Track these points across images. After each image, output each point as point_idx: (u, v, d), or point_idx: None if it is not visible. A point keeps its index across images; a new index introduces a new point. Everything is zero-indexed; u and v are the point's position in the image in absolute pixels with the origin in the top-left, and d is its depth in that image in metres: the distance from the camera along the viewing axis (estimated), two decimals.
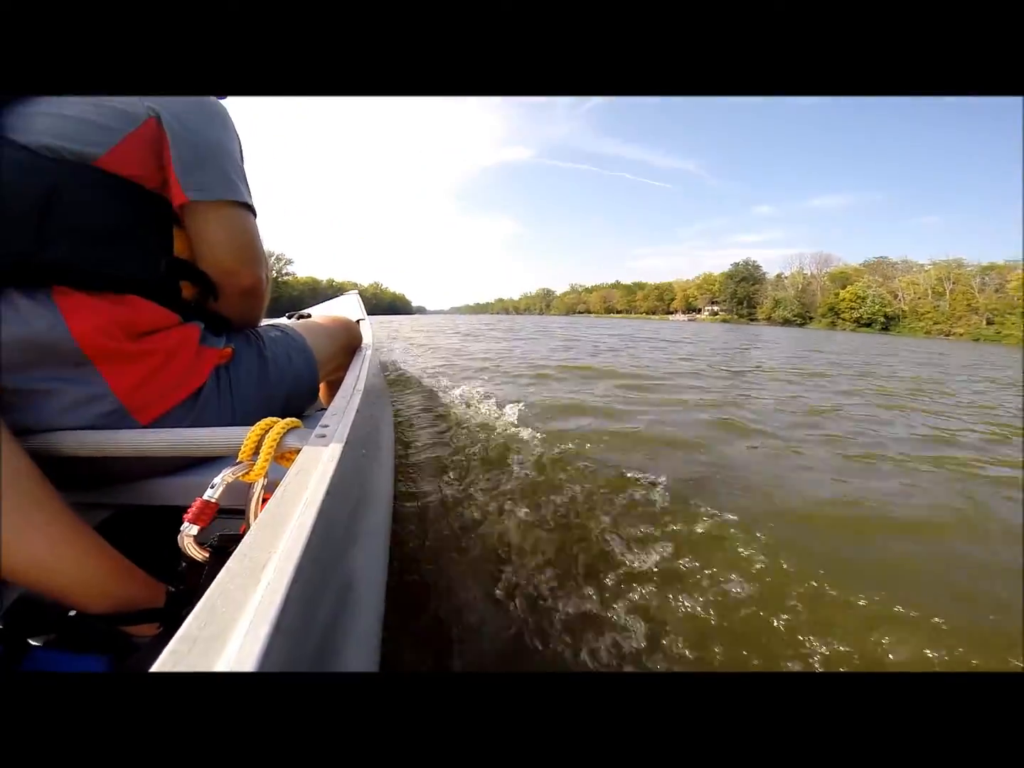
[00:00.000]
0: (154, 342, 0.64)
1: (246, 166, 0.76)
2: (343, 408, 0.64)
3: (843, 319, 64.67)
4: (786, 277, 79.98)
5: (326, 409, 0.64)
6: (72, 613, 0.52)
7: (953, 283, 60.69)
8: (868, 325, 61.80)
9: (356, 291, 2.72)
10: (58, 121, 0.58)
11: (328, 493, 0.40)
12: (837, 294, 67.04)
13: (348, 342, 1.12)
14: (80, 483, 0.65)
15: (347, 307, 2.21)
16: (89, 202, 0.58)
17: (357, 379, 0.83)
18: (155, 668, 0.22)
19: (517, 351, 6.07)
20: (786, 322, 70.69)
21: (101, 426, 0.61)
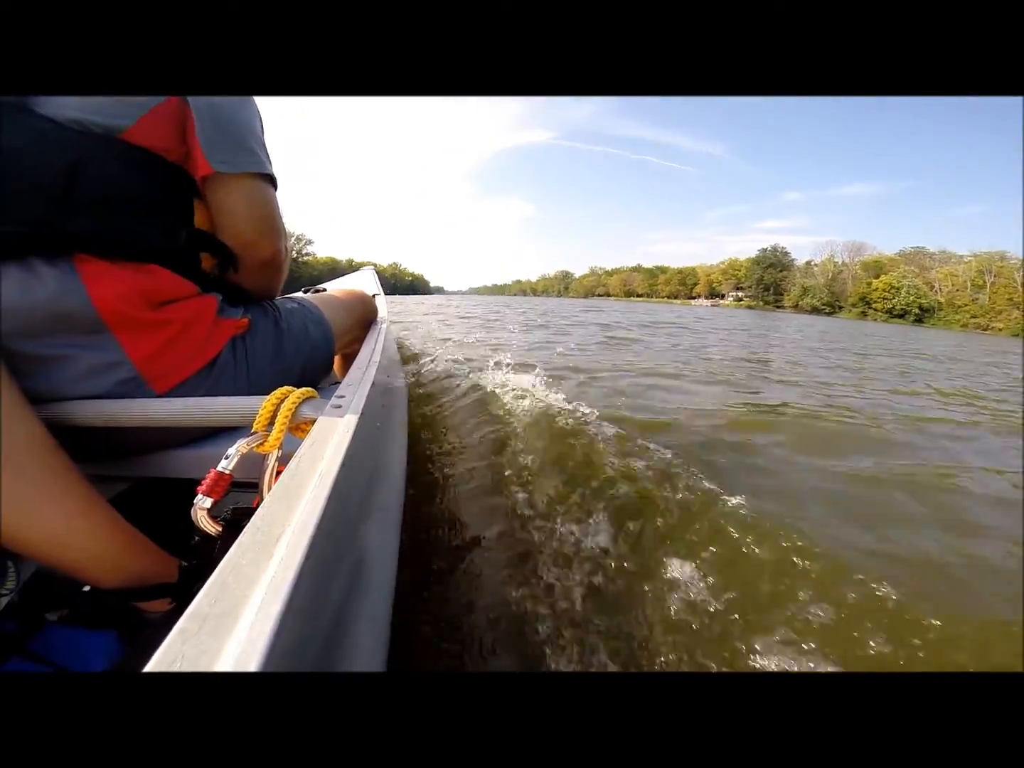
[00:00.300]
0: (172, 312, 0.64)
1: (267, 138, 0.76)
2: (359, 379, 0.64)
3: (875, 309, 62.73)
4: (815, 264, 77.39)
5: (341, 382, 0.63)
6: (86, 588, 0.52)
7: (994, 276, 58.24)
8: (901, 316, 59.90)
9: (372, 267, 2.74)
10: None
11: (343, 465, 0.38)
12: (870, 283, 65.08)
13: (364, 315, 1.13)
14: (94, 455, 0.65)
15: (363, 282, 2.21)
16: (113, 174, 0.59)
17: (373, 351, 0.83)
18: (163, 647, 0.22)
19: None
20: (814, 310, 68.82)
21: (117, 395, 0.60)
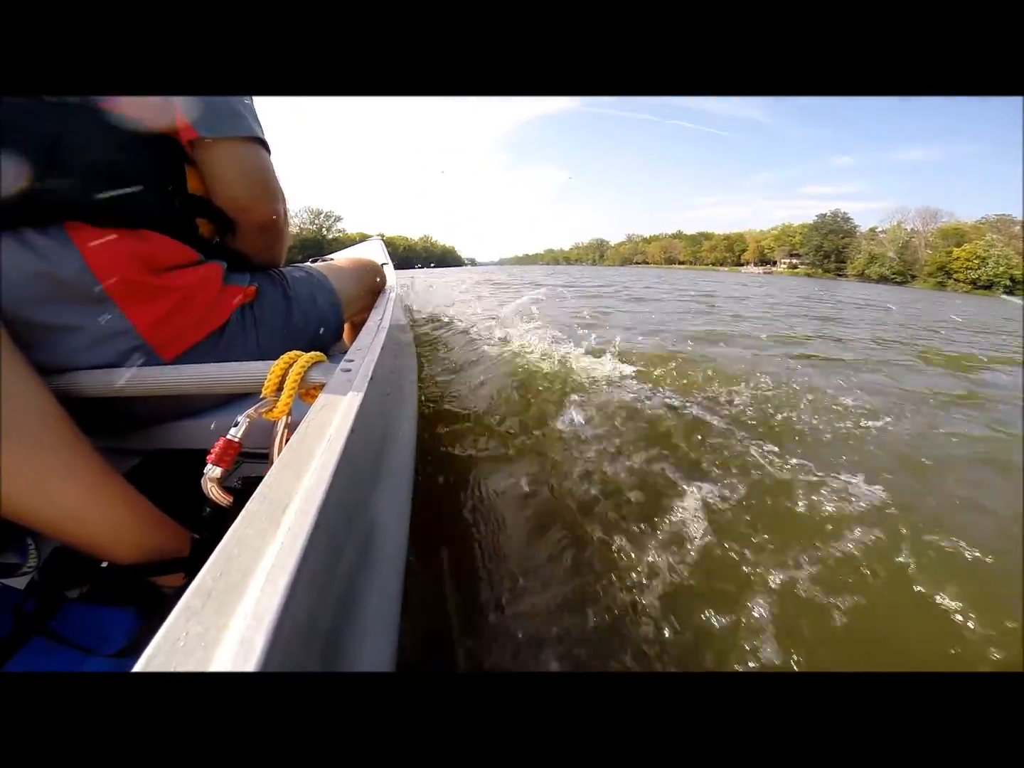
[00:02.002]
0: (176, 278, 0.65)
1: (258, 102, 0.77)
2: (368, 344, 0.64)
3: (956, 279, 58.45)
4: (882, 231, 72.16)
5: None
6: (104, 564, 0.54)
7: None
8: (987, 287, 55.50)
9: (380, 237, 2.80)
10: None
11: (353, 431, 0.38)
12: (950, 252, 60.46)
13: (372, 284, 1.15)
14: (104, 428, 0.67)
15: (371, 252, 2.23)
16: (95, 142, 0.60)
17: (382, 318, 0.83)
18: (165, 627, 0.21)
19: None
20: (882, 279, 64.67)
21: (124, 363, 0.62)
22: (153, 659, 0.20)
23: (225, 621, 0.21)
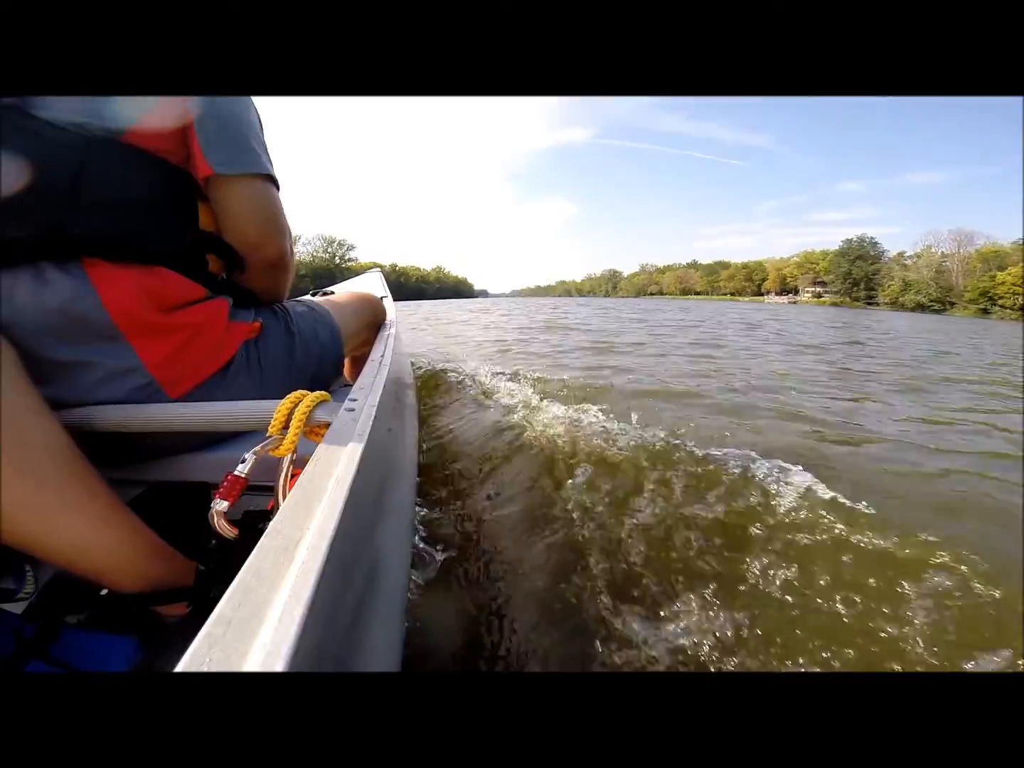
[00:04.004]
0: (184, 316, 0.69)
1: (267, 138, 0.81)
2: (371, 383, 0.68)
3: (1001, 306, 57.21)
4: (909, 257, 71.54)
5: (350, 384, 0.65)
6: (104, 592, 0.56)
7: None
8: None
9: (378, 269, 2.88)
10: (85, 97, 0.63)
11: (359, 470, 0.42)
12: (993, 277, 59.34)
13: (373, 318, 1.19)
14: (111, 459, 0.70)
15: (370, 285, 2.31)
16: (116, 176, 0.63)
17: (383, 354, 0.88)
18: (191, 651, 0.24)
19: None
20: (918, 307, 63.84)
21: (133, 400, 0.66)
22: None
23: (246, 648, 0.24)
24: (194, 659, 0.23)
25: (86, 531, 0.52)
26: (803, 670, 0.75)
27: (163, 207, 0.68)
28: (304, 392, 0.56)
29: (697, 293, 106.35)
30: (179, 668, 0.23)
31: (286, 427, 0.53)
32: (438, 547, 1.05)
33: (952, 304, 62.43)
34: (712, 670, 0.76)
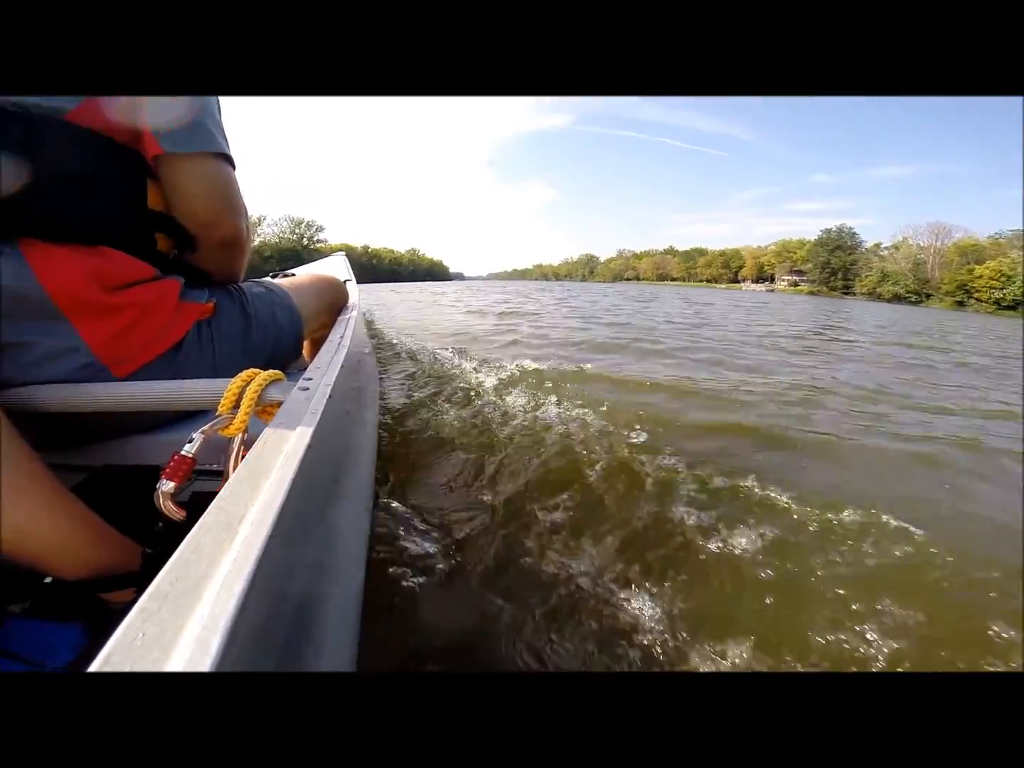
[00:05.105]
0: (131, 295, 0.68)
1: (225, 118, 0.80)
2: (328, 362, 0.67)
3: (978, 299, 59.07)
4: (886, 248, 73.57)
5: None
6: (47, 580, 0.55)
7: None
8: (1012, 308, 56.11)
9: (343, 252, 2.86)
10: None
11: (310, 447, 0.41)
12: (971, 270, 61.28)
13: (334, 300, 1.19)
14: (54, 443, 0.69)
15: (334, 268, 2.29)
16: (56, 155, 0.62)
17: (343, 336, 0.87)
18: (123, 626, 0.23)
19: None
20: (895, 298, 65.76)
21: (75, 380, 0.64)
22: (111, 658, 0.22)
23: (182, 623, 0.23)
24: (126, 634, 0.23)
25: (25, 515, 0.51)
26: (802, 670, 0.78)
27: (108, 187, 0.67)
28: (257, 370, 0.56)
29: (674, 279, 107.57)
30: (109, 644, 0.22)
31: (237, 407, 0.53)
32: None
33: (928, 296, 64.50)
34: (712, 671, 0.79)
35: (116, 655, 0.22)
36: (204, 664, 0.22)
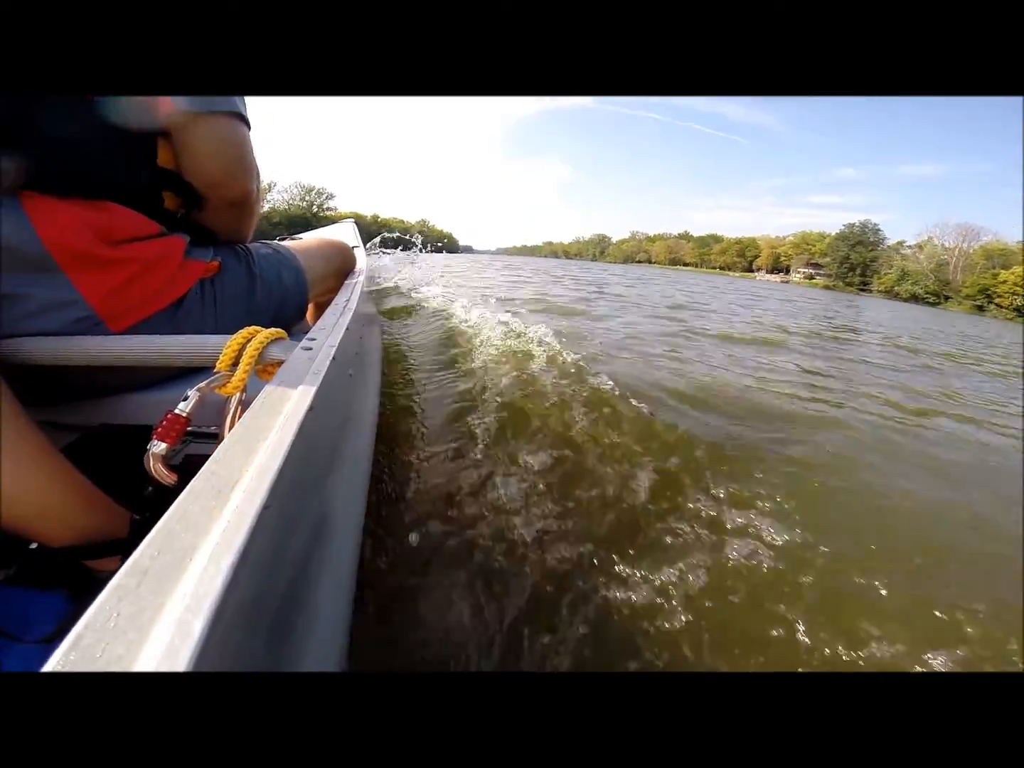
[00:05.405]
0: (132, 250, 0.67)
1: None
2: (332, 324, 0.65)
3: (998, 305, 58.06)
4: (909, 246, 71.81)
5: None
6: (32, 546, 0.53)
7: None
8: None
9: (352, 220, 2.87)
10: None
11: (311, 409, 0.39)
12: (996, 274, 60.06)
13: (341, 265, 1.18)
14: (44, 399, 0.67)
15: (342, 234, 2.27)
16: (64, 112, 0.61)
17: (349, 299, 0.85)
18: (93, 608, 0.21)
19: None
20: (913, 298, 64.66)
21: (70, 333, 0.62)
22: (81, 641, 0.20)
23: (162, 601, 0.21)
24: (99, 615, 0.20)
25: (12, 479, 0.48)
26: (802, 671, 0.77)
27: (116, 143, 0.65)
28: (257, 328, 0.53)
29: (686, 264, 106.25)
30: (79, 625, 0.20)
31: (236, 364, 0.50)
32: None
33: (947, 298, 63.31)
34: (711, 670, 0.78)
35: (87, 638, 0.20)
36: (184, 648, 0.19)
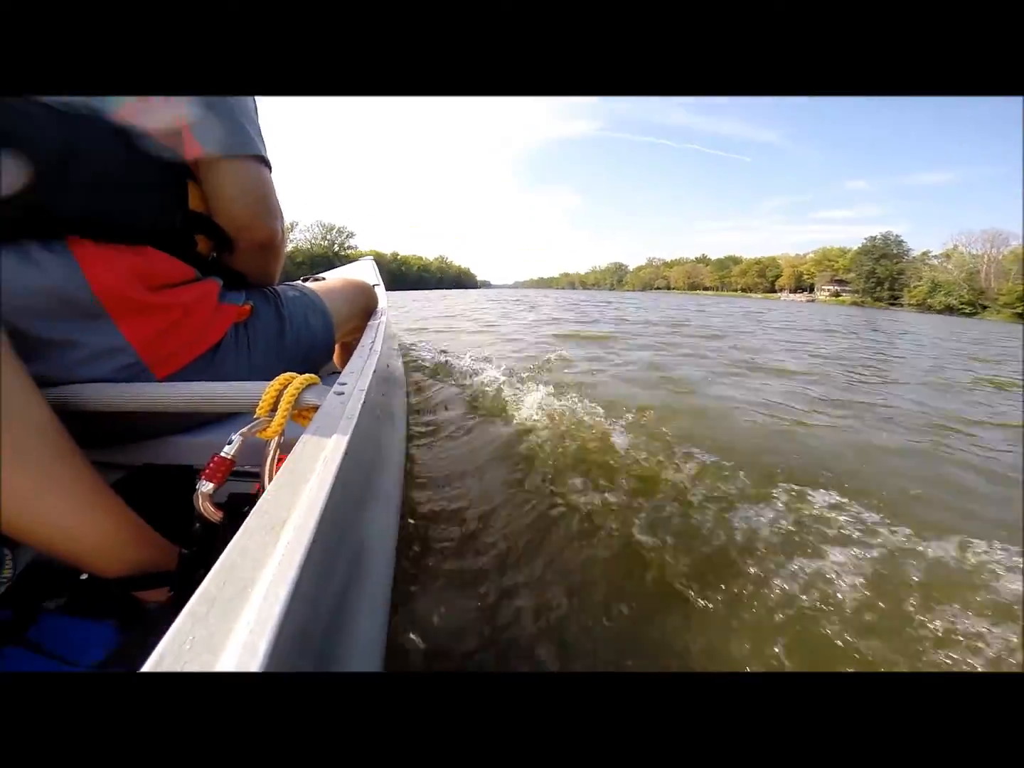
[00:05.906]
0: (172, 296, 0.70)
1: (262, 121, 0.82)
2: (361, 368, 0.69)
3: None
4: (935, 256, 70.19)
5: (340, 371, 0.69)
6: (83, 576, 0.56)
7: None
8: None
9: (372, 257, 2.93)
10: None
11: (347, 453, 0.42)
12: None
13: (365, 305, 1.22)
14: (96, 440, 0.71)
15: (363, 273, 2.35)
16: (104, 155, 0.64)
17: (374, 340, 0.90)
18: (174, 628, 0.24)
19: None
20: (947, 310, 62.94)
21: (118, 380, 0.67)
22: (163, 660, 0.23)
23: (229, 626, 0.24)
24: (177, 637, 0.24)
25: (69, 514, 0.51)
26: (802, 671, 0.77)
27: (151, 187, 0.69)
28: (293, 374, 0.57)
29: (706, 288, 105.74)
30: (161, 646, 0.23)
31: (274, 410, 0.54)
32: None
33: (984, 307, 61.41)
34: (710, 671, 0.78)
35: (168, 658, 0.23)
36: (251, 666, 0.22)
